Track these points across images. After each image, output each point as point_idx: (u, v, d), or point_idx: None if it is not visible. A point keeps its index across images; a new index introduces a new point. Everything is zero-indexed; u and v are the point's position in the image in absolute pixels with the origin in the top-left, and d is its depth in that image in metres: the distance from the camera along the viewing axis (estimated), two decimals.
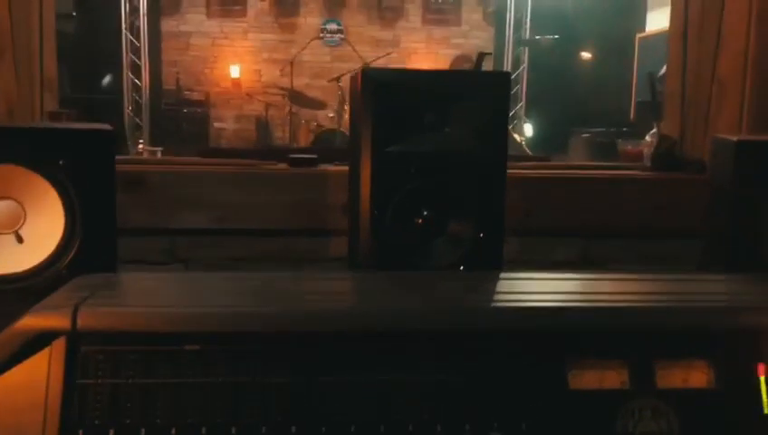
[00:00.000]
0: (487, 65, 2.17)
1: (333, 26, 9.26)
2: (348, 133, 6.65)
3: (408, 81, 1.57)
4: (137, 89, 8.52)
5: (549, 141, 7.17)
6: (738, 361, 0.97)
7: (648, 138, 3.04)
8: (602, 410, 0.94)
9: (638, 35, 8.09)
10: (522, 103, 8.52)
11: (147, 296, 1.05)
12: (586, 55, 8.50)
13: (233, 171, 2.31)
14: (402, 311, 0.99)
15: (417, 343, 0.94)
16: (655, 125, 2.86)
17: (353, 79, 1.67)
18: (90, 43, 7.42)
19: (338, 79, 7.25)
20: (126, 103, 8.30)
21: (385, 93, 1.52)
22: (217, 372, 0.90)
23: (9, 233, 1.37)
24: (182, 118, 8.67)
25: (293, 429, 0.89)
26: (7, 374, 0.90)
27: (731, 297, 1.16)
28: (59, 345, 0.91)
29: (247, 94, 8.69)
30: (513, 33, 9.07)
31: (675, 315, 1.02)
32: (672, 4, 2.70)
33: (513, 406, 0.93)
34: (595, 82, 8.23)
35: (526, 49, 8.86)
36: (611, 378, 0.97)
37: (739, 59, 2.38)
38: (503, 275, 1.30)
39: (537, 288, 1.17)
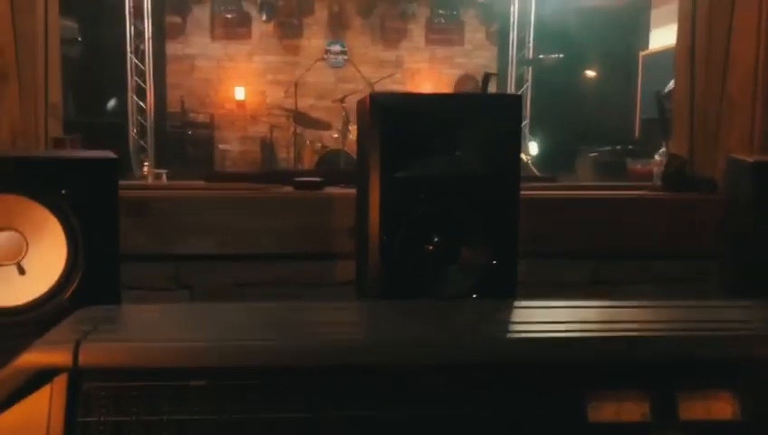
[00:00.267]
0: (491, 85, 2.15)
1: (337, 48, 9.31)
2: (352, 153, 6.70)
3: (416, 105, 1.55)
4: (142, 112, 8.55)
5: (554, 160, 7.15)
6: (764, 391, 0.94)
7: (657, 157, 3.02)
8: None
9: (642, 53, 8.10)
10: (526, 122, 8.54)
11: (150, 330, 1.02)
12: (590, 74, 8.51)
13: (237, 196, 2.29)
14: (415, 342, 0.95)
15: (430, 377, 0.91)
16: (663, 143, 2.84)
17: (361, 103, 1.65)
18: (95, 67, 7.47)
19: (342, 99, 7.27)
20: (131, 126, 8.33)
21: (393, 118, 1.49)
22: (224, 408, 0.87)
23: (11, 264, 1.34)
24: (187, 140, 8.68)
25: None
26: (7, 413, 0.87)
27: (755, 325, 1.12)
28: (60, 382, 0.88)
29: (252, 116, 8.71)
30: (517, 53, 9.10)
31: (698, 344, 0.98)
32: (679, 22, 2.68)
33: None
34: (599, 100, 8.23)
35: (530, 68, 8.88)
36: (632, 410, 0.93)
37: (749, 77, 2.36)
38: (517, 303, 1.27)
39: (553, 317, 1.13)
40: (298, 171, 6.30)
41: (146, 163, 8.30)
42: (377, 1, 9.17)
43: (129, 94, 8.34)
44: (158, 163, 8.38)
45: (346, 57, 9.23)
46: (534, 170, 6.71)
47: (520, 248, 1.62)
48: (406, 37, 9.48)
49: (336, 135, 7.58)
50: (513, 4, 9.08)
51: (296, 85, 7.74)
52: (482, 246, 1.53)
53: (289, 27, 9.24)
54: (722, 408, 0.93)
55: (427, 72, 9.42)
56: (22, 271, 1.34)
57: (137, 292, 2.15)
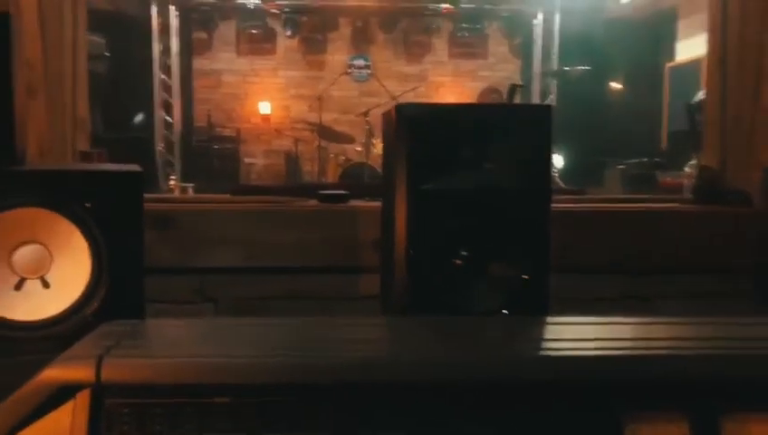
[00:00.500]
0: (517, 97, 2.11)
1: (361, 62, 9.33)
2: (376, 167, 6.68)
3: (443, 115, 1.51)
4: (169, 127, 8.64)
5: (579, 173, 7.07)
6: None
7: (687, 169, 2.96)
8: None
9: (668, 64, 8.00)
10: None
11: (174, 345, 1.00)
12: (615, 85, 8.42)
13: (262, 209, 2.29)
14: (443, 361, 0.92)
15: (461, 396, 0.88)
16: (694, 155, 2.78)
17: (386, 115, 1.62)
18: (122, 83, 7.57)
19: (366, 113, 7.28)
20: (158, 141, 8.41)
21: (420, 129, 1.46)
22: (248, 426, 0.85)
23: (35, 278, 1.34)
24: (213, 154, 8.75)
25: None
26: (30, 428, 0.86)
27: None
28: (83, 398, 0.87)
29: (276, 130, 8.76)
30: (541, 66, 9.05)
31: (741, 364, 0.94)
32: (709, 32, 2.64)
33: None
34: (625, 112, 8.13)
35: (554, 82, 8.82)
36: (671, 433, 0.89)
37: None
38: (549, 319, 1.23)
39: (588, 334, 1.10)
40: (322, 184, 6.30)
41: (172, 177, 8.37)
42: (400, 15, 9.20)
43: (157, 109, 8.44)
44: (185, 177, 8.45)
45: (369, 71, 9.25)
46: (560, 183, 6.63)
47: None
48: (429, 51, 9.48)
49: (359, 148, 7.58)
50: (537, 17, 9.04)
51: (320, 99, 7.77)
52: (512, 261, 1.49)
53: (313, 42, 9.30)
54: (766, 431, 0.88)
55: (450, 86, 9.40)
56: (46, 285, 1.34)
57: (161, 305, 2.15)
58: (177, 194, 7.18)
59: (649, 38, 8.35)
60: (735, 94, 2.46)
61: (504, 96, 2.22)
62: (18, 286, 1.33)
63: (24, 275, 1.34)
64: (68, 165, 1.95)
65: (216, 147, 8.81)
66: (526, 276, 1.48)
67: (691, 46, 7.32)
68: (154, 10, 8.23)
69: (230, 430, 0.85)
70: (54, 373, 0.87)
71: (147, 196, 2.49)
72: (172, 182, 8.15)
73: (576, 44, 8.45)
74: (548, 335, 1.12)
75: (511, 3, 8.92)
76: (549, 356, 0.98)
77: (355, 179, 6.80)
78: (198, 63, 9.24)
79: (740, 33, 2.46)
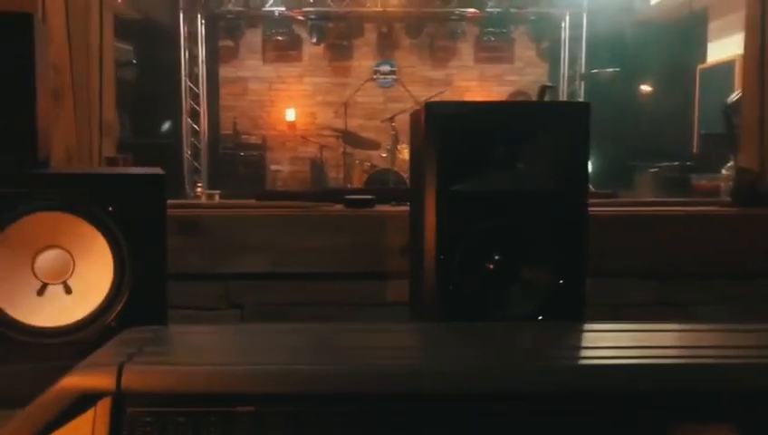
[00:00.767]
0: (547, 98, 2.06)
1: (386, 68, 9.33)
2: (401, 172, 6.65)
3: (474, 114, 1.45)
4: (195, 134, 8.71)
5: (608, 176, 6.96)
6: None
7: (724, 171, 2.87)
8: None
9: (700, 67, 7.85)
10: None
11: (197, 353, 0.97)
12: (645, 88, 8.29)
13: (288, 214, 2.26)
14: (477, 369, 0.88)
15: (495, 406, 0.84)
16: (731, 157, 2.70)
17: (414, 115, 1.58)
18: (150, 90, 7.65)
19: (391, 119, 7.25)
20: (185, 148, 8.49)
21: (450, 128, 1.40)
22: None
23: (57, 283, 1.32)
24: (239, 161, 8.80)
25: None
26: None
27: None
28: (104, 406, 0.84)
29: (302, 137, 8.78)
30: (569, 69, 8.96)
31: None
32: (746, 31, 2.56)
33: None
34: (655, 115, 8.00)
35: (582, 83, 8.73)
36: None
37: None
38: (586, 326, 1.18)
39: (628, 341, 1.04)
40: (348, 189, 6.28)
41: (199, 184, 8.43)
42: (425, 20, 9.17)
43: (184, 117, 8.52)
44: (211, 185, 8.51)
45: (395, 77, 9.24)
46: (590, 187, 6.52)
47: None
48: (455, 56, 9.44)
49: (385, 155, 7.56)
50: (565, 20, 8.95)
51: (346, 106, 7.77)
52: (546, 265, 1.43)
53: (339, 49, 9.32)
54: None
55: (476, 90, 9.35)
56: (68, 290, 1.32)
57: (187, 311, 2.14)
58: (204, 202, 7.22)
59: (680, 40, 8.20)
60: None
61: (534, 99, 2.15)
62: (41, 292, 1.32)
63: (47, 281, 1.33)
64: (90, 168, 1.94)
65: (242, 154, 8.86)
66: (561, 281, 1.42)
67: (722, 47, 7.18)
68: (181, 18, 8.31)
69: None
70: (75, 381, 0.85)
71: (173, 202, 2.49)
72: (199, 189, 8.21)
73: (604, 47, 8.34)
74: (586, 343, 1.07)
75: (538, 6, 8.84)
76: (587, 365, 0.93)
77: (381, 185, 6.78)
78: (225, 71, 9.32)
79: None
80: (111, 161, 2.22)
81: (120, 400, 0.84)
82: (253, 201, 2.61)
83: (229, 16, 9.01)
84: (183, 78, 8.43)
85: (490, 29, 9.21)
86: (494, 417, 0.84)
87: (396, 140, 7.21)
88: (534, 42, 9.33)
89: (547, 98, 2.02)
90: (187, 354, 0.98)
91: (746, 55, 2.55)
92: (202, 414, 0.83)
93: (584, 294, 1.49)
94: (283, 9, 8.76)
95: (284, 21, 9.02)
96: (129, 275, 1.30)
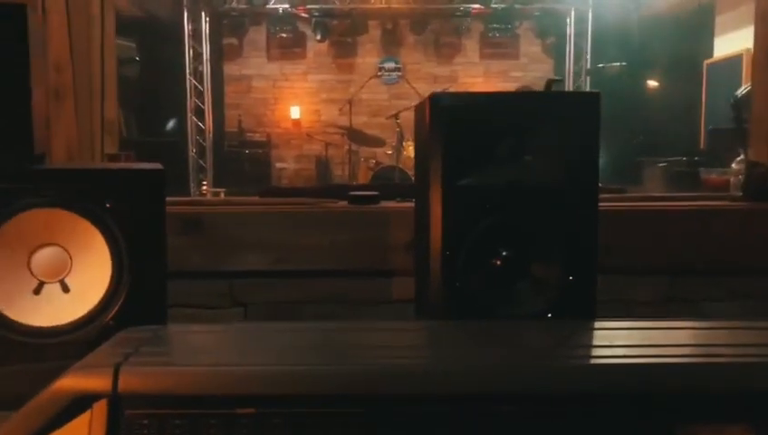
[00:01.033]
0: None
1: (391, 64, 9.30)
2: (406, 169, 6.62)
3: (481, 105, 1.41)
4: (200, 132, 8.71)
5: (615, 171, 6.92)
6: None
7: (734, 165, 2.83)
8: None
9: (707, 62, 7.79)
10: None
11: (196, 353, 0.95)
12: (652, 83, 8.24)
13: (292, 211, 2.24)
14: (485, 369, 0.85)
15: (504, 408, 0.81)
16: (741, 152, 2.66)
17: (419, 107, 1.54)
18: (156, 88, 7.65)
19: (396, 116, 7.23)
20: (190, 146, 8.48)
21: (456, 120, 1.36)
22: None
23: (54, 282, 1.29)
24: (244, 159, 8.79)
25: None
26: None
27: None
28: (100, 408, 0.82)
29: (307, 134, 8.77)
30: (574, 65, 8.92)
31: None
32: (756, 23, 2.52)
33: None
34: (661, 110, 7.95)
35: (587, 79, 8.68)
36: None
37: None
38: (597, 323, 1.15)
39: (639, 340, 1.01)
40: (353, 186, 6.26)
41: (204, 182, 8.43)
42: (430, 17, 9.14)
43: (189, 115, 8.51)
44: (216, 182, 8.51)
45: (400, 74, 9.21)
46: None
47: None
48: (460, 52, 9.41)
49: (390, 152, 7.54)
50: (570, 16, 8.91)
51: (350, 103, 7.75)
52: (555, 261, 1.39)
53: (343, 46, 9.29)
54: None
55: (482, 87, 9.31)
56: (66, 289, 1.29)
57: (190, 310, 2.12)
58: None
59: (686, 34, 8.14)
60: None
61: None
62: (37, 290, 1.30)
63: (44, 279, 1.30)
64: (88, 164, 1.91)
65: (247, 152, 8.86)
66: (571, 278, 1.38)
67: (729, 42, 7.12)
68: (185, 16, 8.29)
69: None
70: (70, 383, 0.83)
71: (175, 199, 2.47)
72: (204, 187, 8.21)
73: (610, 43, 8.30)
74: (596, 341, 1.04)
75: (543, 1, 8.80)
76: (598, 364, 0.91)
77: (386, 182, 6.75)
78: (229, 69, 9.31)
79: None
80: (113, 158, 2.20)
81: (117, 402, 0.81)
82: (256, 198, 2.58)
83: (233, 14, 8.99)
84: (187, 76, 8.42)
85: (495, 25, 9.17)
86: (503, 418, 0.81)
87: (401, 138, 7.18)
88: (539, 37, 9.29)
89: None
90: (185, 355, 0.96)
91: (756, 47, 2.52)
92: (201, 416, 0.81)
93: (594, 292, 1.45)
94: (287, 6, 8.73)
95: (288, 18, 9.00)
96: (128, 273, 1.27)
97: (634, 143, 7.15)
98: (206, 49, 8.66)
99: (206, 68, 8.70)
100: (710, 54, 7.82)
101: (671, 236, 2.19)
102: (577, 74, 8.91)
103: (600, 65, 8.19)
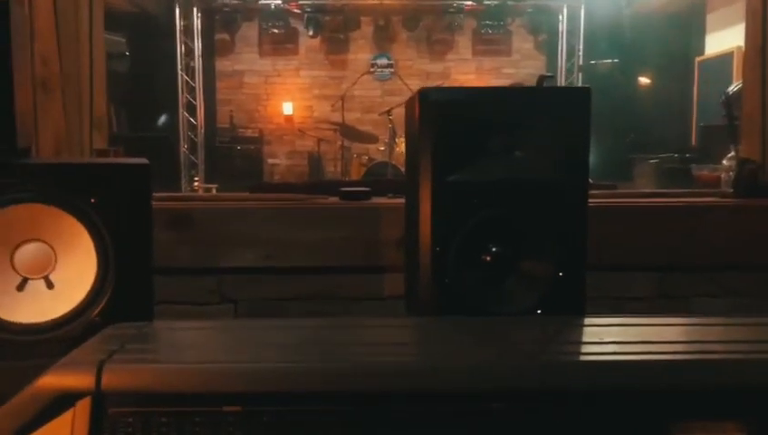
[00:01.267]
0: None
1: (383, 61, 9.29)
2: (399, 166, 6.62)
3: (471, 100, 1.40)
4: (192, 128, 8.67)
5: (607, 168, 6.95)
6: None
7: (725, 162, 2.83)
8: None
9: (698, 59, 7.82)
10: None
11: (182, 350, 0.94)
12: (643, 80, 8.26)
13: (282, 207, 2.22)
14: (475, 367, 0.84)
15: (493, 405, 0.80)
16: (732, 148, 2.66)
17: (409, 103, 1.53)
18: (148, 84, 7.61)
19: (388, 112, 7.22)
20: (181, 142, 8.44)
21: (446, 115, 1.35)
22: None
23: (38, 278, 1.27)
24: (236, 155, 8.76)
25: None
26: None
27: None
28: (83, 407, 0.81)
29: (299, 130, 8.75)
30: (566, 61, 8.93)
31: None
32: (747, 19, 2.51)
33: None
34: (652, 107, 7.97)
35: (579, 75, 8.70)
36: None
37: None
38: (587, 320, 1.14)
39: (629, 336, 1.01)
40: (344, 181, 6.25)
41: (196, 178, 8.40)
42: (423, 13, 9.12)
43: (180, 110, 8.47)
44: (208, 178, 8.47)
45: (392, 70, 9.20)
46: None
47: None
48: (452, 49, 9.40)
49: (383, 148, 7.54)
50: (562, 12, 8.91)
51: (343, 99, 7.73)
52: (545, 257, 1.39)
53: (335, 42, 9.27)
54: None
55: (474, 83, 9.30)
56: (50, 285, 1.27)
57: (179, 307, 2.10)
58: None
59: (678, 31, 8.17)
60: None
61: None
62: (21, 287, 1.28)
63: (27, 275, 1.28)
64: (72, 159, 1.89)
65: (238, 148, 8.83)
66: (561, 274, 1.38)
67: (720, 39, 7.14)
68: (177, 11, 8.25)
69: None
70: (52, 380, 0.81)
71: (164, 194, 2.45)
72: (196, 183, 8.18)
73: (602, 40, 8.31)
74: (586, 338, 1.03)
75: None
76: (590, 361, 0.90)
77: (378, 177, 6.75)
78: (221, 65, 9.27)
79: None
80: (102, 154, 2.18)
81: (101, 400, 0.80)
82: (246, 194, 2.56)
83: (225, 9, 8.95)
84: (179, 72, 8.37)
85: (487, 22, 9.17)
86: (493, 415, 0.80)
87: (393, 134, 7.18)
88: (532, 34, 9.29)
89: None
90: (171, 352, 0.95)
91: (747, 44, 2.51)
92: (187, 414, 0.80)
93: (584, 288, 1.44)
94: (280, 2, 8.70)
95: (281, 14, 8.96)
96: (114, 269, 1.25)
97: (627, 141, 7.16)
98: (197, 44, 8.61)
99: (198, 64, 8.65)
100: (701, 52, 7.84)
101: (662, 233, 2.19)
102: (569, 71, 8.92)
103: (592, 62, 8.20)
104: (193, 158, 8.71)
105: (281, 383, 0.82)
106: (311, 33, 9.07)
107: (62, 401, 0.81)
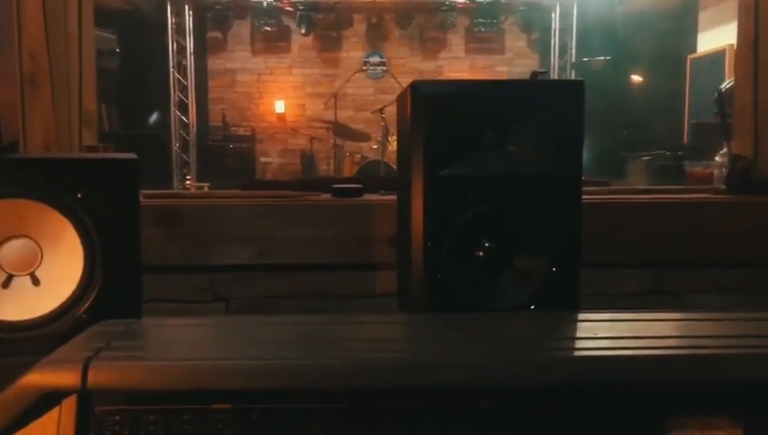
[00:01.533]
0: None
1: (376, 59, 9.28)
2: (392, 164, 6.62)
3: (463, 93, 1.38)
4: (184, 126, 8.64)
5: (600, 165, 6.97)
6: None
7: (717, 158, 2.84)
8: None
9: (690, 57, 7.84)
10: None
11: (170, 347, 0.92)
12: (636, 78, 8.29)
13: (273, 204, 2.21)
14: (468, 363, 0.83)
15: (487, 401, 0.79)
16: (725, 145, 2.66)
17: (401, 96, 1.52)
18: (139, 82, 7.58)
19: (381, 110, 7.22)
20: (173, 140, 8.41)
21: (438, 109, 1.34)
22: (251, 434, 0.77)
23: (24, 275, 1.26)
24: (228, 153, 8.74)
25: None
26: None
27: None
28: (69, 405, 0.79)
29: (292, 129, 8.73)
30: (559, 59, 8.95)
31: None
32: (739, 15, 2.51)
33: None
34: (646, 104, 8.00)
35: (572, 73, 8.72)
36: None
37: None
38: (581, 315, 1.13)
39: (623, 332, 1.00)
40: (335, 178, 6.24)
41: (188, 177, 8.37)
42: (415, 11, 9.12)
43: (172, 108, 8.44)
44: (200, 177, 8.45)
45: (385, 68, 9.20)
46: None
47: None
48: (445, 47, 9.41)
49: (375, 146, 7.54)
50: (555, 11, 8.93)
51: (335, 97, 7.72)
52: (539, 253, 1.38)
53: (328, 40, 9.25)
54: None
55: None
56: (36, 282, 1.26)
57: (170, 305, 2.08)
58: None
59: (670, 29, 8.20)
60: (767, 78, 2.35)
61: None
62: (6, 284, 1.26)
63: (12, 272, 1.26)
64: (59, 154, 1.87)
65: (231, 146, 8.81)
66: (554, 269, 1.37)
67: (713, 37, 7.17)
68: (169, 9, 8.21)
69: None
70: (37, 378, 0.80)
71: (154, 192, 2.43)
72: (188, 182, 8.15)
73: (595, 38, 8.34)
74: (580, 334, 1.03)
75: None
76: (582, 357, 0.89)
77: (371, 175, 6.75)
78: (213, 63, 9.24)
79: None
80: (91, 150, 2.16)
81: (87, 397, 0.79)
82: (238, 191, 2.55)
83: (217, 7, 8.93)
84: (171, 69, 8.34)
85: (480, 20, 9.18)
86: (486, 412, 0.79)
87: (386, 132, 7.18)
88: (525, 32, 9.31)
89: None
90: (158, 349, 0.93)
91: (740, 40, 2.51)
92: (175, 412, 0.78)
93: (578, 283, 1.44)
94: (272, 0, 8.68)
95: (273, 11, 8.95)
96: (101, 266, 1.23)
97: (620, 139, 7.18)
98: (189, 42, 8.58)
99: (190, 61, 8.62)
100: (694, 50, 7.87)
101: (655, 229, 2.19)
102: (562, 69, 8.95)
103: (585, 59, 8.22)
104: (185, 156, 8.68)
105: (271, 380, 0.81)
106: (303, 30, 9.05)
107: (47, 400, 0.79)
